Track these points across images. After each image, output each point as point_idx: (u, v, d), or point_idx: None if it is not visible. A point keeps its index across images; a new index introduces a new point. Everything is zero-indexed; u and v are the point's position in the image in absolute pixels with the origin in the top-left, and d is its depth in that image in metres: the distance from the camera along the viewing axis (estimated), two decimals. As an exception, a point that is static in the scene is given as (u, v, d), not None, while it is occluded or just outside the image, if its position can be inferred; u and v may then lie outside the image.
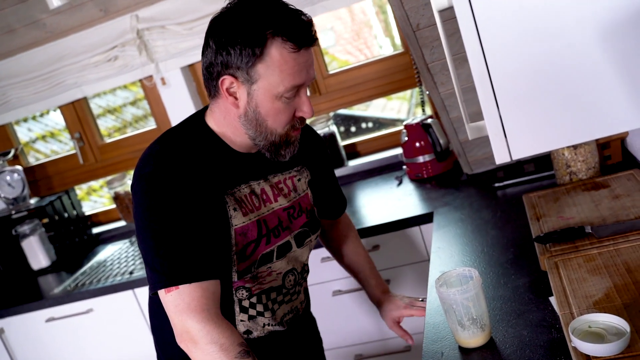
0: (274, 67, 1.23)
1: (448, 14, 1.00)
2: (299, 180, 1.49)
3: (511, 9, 0.92)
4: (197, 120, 1.39)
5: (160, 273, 1.24)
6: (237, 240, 1.36)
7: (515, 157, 0.92)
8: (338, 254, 1.77)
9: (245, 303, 1.42)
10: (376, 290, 1.72)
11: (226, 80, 1.27)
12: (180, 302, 1.23)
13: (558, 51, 0.93)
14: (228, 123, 1.35)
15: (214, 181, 1.33)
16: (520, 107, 0.91)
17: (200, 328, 1.21)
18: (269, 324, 1.46)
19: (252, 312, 1.43)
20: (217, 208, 1.33)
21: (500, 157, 0.91)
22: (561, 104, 0.92)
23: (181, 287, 1.23)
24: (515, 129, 0.91)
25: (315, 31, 1.27)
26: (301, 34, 1.23)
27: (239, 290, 1.40)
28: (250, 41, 1.21)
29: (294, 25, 1.22)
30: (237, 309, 1.42)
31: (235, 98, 1.29)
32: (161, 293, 1.26)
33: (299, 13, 1.25)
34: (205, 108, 1.41)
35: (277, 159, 1.37)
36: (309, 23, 1.26)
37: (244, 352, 1.21)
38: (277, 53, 1.22)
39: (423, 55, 1.85)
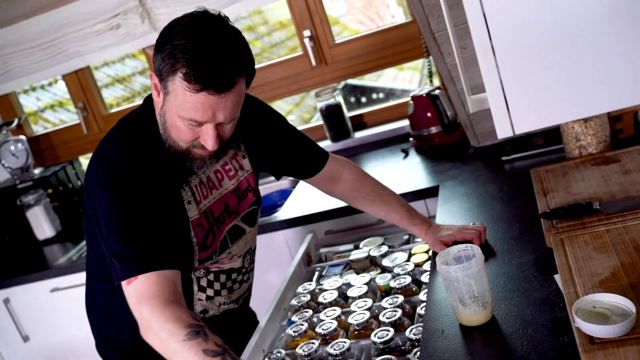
0: (177, 92, 1.23)
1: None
2: (244, 157, 1.52)
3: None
4: (148, 110, 1.39)
5: (128, 262, 1.23)
6: (196, 232, 1.39)
7: (518, 131, 0.88)
8: (370, 210, 1.67)
9: (204, 282, 1.46)
10: (422, 227, 1.61)
11: (153, 77, 1.29)
12: (135, 292, 1.22)
13: (566, 21, 0.88)
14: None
15: (171, 176, 1.36)
16: (524, 79, 0.86)
17: (150, 317, 1.19)
18: (224, 303, 1.52)
19: (209, 292, 1.47)
20: (176, 202, 1.37)
21: (503, 132, 0.87)
22: (569, 77, 0.87)
23: (139, 276, 1.22)
24: (518, 102, 0.86)
25: (234, 81, 1.21)
26: (208, 78, 1.19)
27: (197, 270, 1.45)
28: (168, 57, 1.21)
29: (204, 68, 1.18)
30: (195, 287, 1.46)
31: (158, 95, 1.31)
32: (123, 284, 1.24)
33: (223, 57, 1.19)
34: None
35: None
36: (228, 72, 1.20)
37: (191, 333, 1.17)
38: (179, 83, 1.22)
39: (429, 24, 1.79)
